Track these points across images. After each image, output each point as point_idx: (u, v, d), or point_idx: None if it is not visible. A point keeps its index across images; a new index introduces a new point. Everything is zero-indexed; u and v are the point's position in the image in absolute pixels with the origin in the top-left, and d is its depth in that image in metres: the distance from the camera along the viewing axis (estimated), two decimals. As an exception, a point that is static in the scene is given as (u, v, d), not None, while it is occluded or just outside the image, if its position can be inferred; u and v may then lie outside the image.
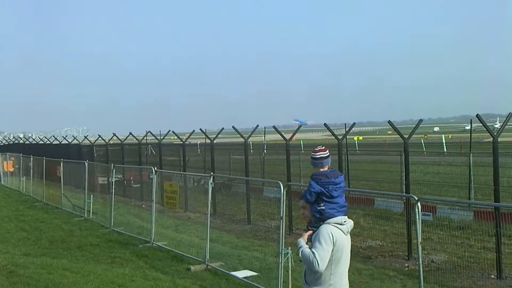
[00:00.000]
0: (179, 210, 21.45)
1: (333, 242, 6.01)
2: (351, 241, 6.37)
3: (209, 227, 14.38)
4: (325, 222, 6.18)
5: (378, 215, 18.75)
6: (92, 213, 22.44)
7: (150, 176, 18.93)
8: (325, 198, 6.22)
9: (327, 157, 6.50)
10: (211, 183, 15.06)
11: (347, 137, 21.77)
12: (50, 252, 15.83)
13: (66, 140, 46.49)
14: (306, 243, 6.24)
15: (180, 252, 15.12)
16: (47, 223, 21.39)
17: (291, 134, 22.04)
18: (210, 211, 15.64)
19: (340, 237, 6.10)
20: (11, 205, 27.35)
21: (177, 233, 18.47)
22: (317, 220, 6.29)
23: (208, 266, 13.60)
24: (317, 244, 6.03)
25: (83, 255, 15.43)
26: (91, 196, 23.03)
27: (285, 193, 12.34)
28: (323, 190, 6.23)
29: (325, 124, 20.66)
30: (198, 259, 14.16)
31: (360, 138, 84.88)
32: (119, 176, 27.02)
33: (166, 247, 16.00)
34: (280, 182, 12.55)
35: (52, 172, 31.30)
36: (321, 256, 5.94)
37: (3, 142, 67.72)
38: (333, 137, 19.61)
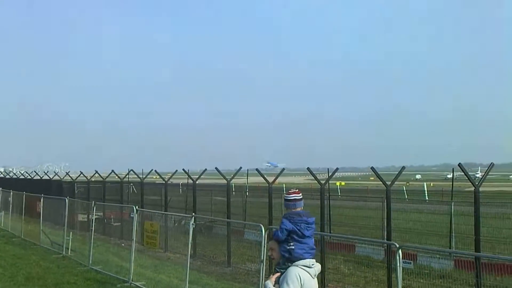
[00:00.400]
0: (159, 250, 21.25)
1: (301, 284, 6.04)
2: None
3: (188, 269, 14.27)
4: (293, 264, 6.23)
5: (359, 262, 18.72)
6: (71, 250, 22.16)
7: (131, 215, 18.80)
8: (295, 237, 6.30)
9: (300, 199, 6.64)
10: (192, 224, 15.01)
11: (330, 182, 21.82)
12: (26, 289, 15.61)
13: (47, 175, 46.27)
14: (274, 286, 6.24)
15: (158, 293, 14.97)
16: (24, 259, 21.09)
17: (273, 177, 22.07)
18: (190, 252, 15.54)
19: (308, 280, 6.14)
20: (-13, 240, 26.96)
21: (156, 274, 18.25)
22: (286, 260, 6.36)
23: (186, 308, 13.45)
24: (284, 286, 6.05)
25: (60, 293, 15.23)
26: (70, 233, 22.79)
27: (266, 236, 12.28)
28: (295, 228, 6.33)
29: (308, 168, 20.69)
30: (176, 300, 14.02)
31: (343, 183, 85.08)
32: (99, 214, 26.76)
33: (144, 287, 15.83)
34: (261, 225, 12.53)
35: (31, 207, 30.93)
36: None
37: (-17, 176, 67.09)
38: (316, 182, 19.64)
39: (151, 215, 22.69)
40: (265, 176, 21.35)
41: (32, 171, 51.33)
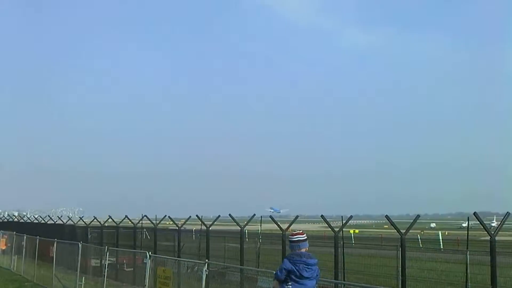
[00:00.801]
0: (172, 296, 21.12)
1: None
2: None
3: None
4: None
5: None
6: (83, 295, 22.08)
7: (144, 261, 18.76)
8: (293, 277, 6.43)
9: (304, 240, 6.76)
10: (205, 270, 14.94)
11: (343, 229, 21.74)
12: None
13: (61, 220, 46.28)
14: None
15: None
16: (36, 304, 21.05)
17: (287, 224, 22.03)
18: (204, 298, 15.43)
19: None
20: (0, 284, 26.91)
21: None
22: None
23: None
24: None
25: None
26: (83, 278, 22.74)
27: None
28: (294, 268, 6.46)
29: (322, 216, 20.69)
30: None
31: (356, 231, 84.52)
32: (112, 259, 26.66)
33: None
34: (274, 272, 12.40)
35: (44, 251, 30.92)
36: None
37: (-3, 219, 67.23)
38: (330, 229, 19.57)
39: (164, 261, 22.60)
40: (278, 223, 21.33)
41: (46, 216, 51.34)
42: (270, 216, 22.59)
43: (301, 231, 7.02)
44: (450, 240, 59.22)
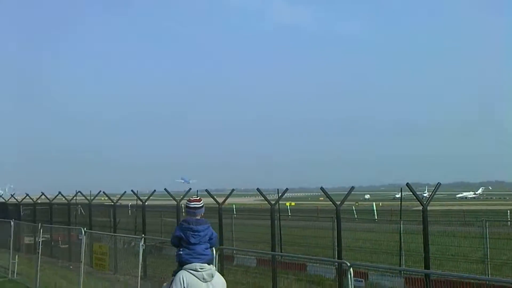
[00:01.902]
0: (109, 272, 20.92)
1: (184, 287, 6.45)
2: None
3: (139, 290, 14.08)
4: (183, 268, 6.65)
5: (311, 281, 18.72)
6: (17, 273, 21.77)
7: (79, 237, 18.51)
8: (183, 244, 6.65)
9: (200, 207, 7.03)
10: (142, 245, 14.84)
11: (280, 202, 21.89)
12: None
13: (-8, 198, 45.23)
14: None
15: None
16: (-33, 283, 20.56)
17: (223, 198, 22.06)
18: (141, 273, 15.33)
19: (194, 284, 6.49)
20: None
21: (105, 296, 17.97)
22: (178, 265, 6.84)
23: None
24: None
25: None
26: (16, 256, 22.36)
27: (217, 256, 12.17)
28: (182, 235, 6.67)
29: (257, 189, 20.77)
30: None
31: (293, 203, 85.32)
32: (46, 236, 26.23)
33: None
34: (213, 245, 12.36)
35: (-25, 230, 30.16)
36: None
37: None
38: (266, 202, 19.67)
39: (100, 237, 22.37)
40: (214, 197, 21.33)
41: (-24, 194, 50.09)
42: (206, 190, 22.51)
43: (198, 198, 7.34)
44: (384, 210, 60.52)
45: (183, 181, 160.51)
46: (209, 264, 6.65)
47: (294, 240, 26.99)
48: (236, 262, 22.81)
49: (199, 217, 6.98)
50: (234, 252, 23.82)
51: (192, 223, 6.80)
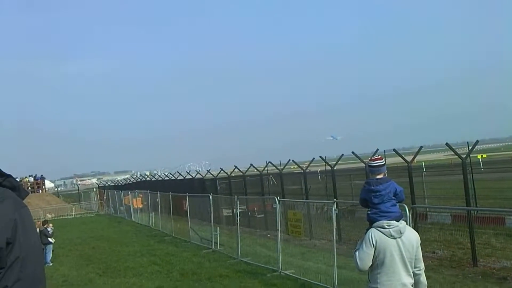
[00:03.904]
0: (304, 238, 21.46)
1: (373, 244, 6.41)
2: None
3: (335, 254, 14.32)
4: (372, 226, 6.59)
5: (510, 234, 18.01)
6: (219, 244, 22.85)
7: (274, 206, 19.07)
8: (369, 204, 6.62)
9: (382, 165, 6.90)
10: (334, 210, 15.01)
11: (471, 155, 21.13)
12: (182, 285, 16.26)
13: (190, 175, 47.70)
14: None
15: (308, 280, 15.13)
16: (177, 256, 21.95)
17: (412, 156, 21.70)
18: (336, 237, 15.56)
19: (383, 240, 6.42)
20: (142, 240, 28.30)
21: (303, 261, 18.43)
22: (368, 224, 6.74)
23: (337, 293, 13.53)
24: (358, 246, 6.57)
25: (214, 286, 15.74)
26: (217, 228, 23.48)
27: (410, 215, 12.08)
28: (365, 197, 6.63)
29: (447, 144, 20.16)
30: (326, 286, 14.14)
31: (484, 155, 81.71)
32: (242, 207, 27.30)
33: (293, 275, 16.06)
34: (405, 205, 12.27)
35: (178, 206, 32.07)
36: (361, 256, 6.43)
37: (132, 180, 69.97)
38: (456, 156, 19.09)
39: (293, 204, 22.94)
40: (402, 155, 21.04)
41: (175, 172, 52.94)
42: (394, 149, 22.22)
43: (380, 156, 7.25)
44: None
45: (332, 138, 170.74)
46: (397, 220, 6.66)
47: (490, 193, 26.00)
48: (430, 220, 22.40)
49: (381, 176, 7.00)
50: (427, 209, 23.43)
51: (372, 184, 6.82)
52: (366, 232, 6.70)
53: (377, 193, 6.69)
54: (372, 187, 6.73)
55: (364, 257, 6.41)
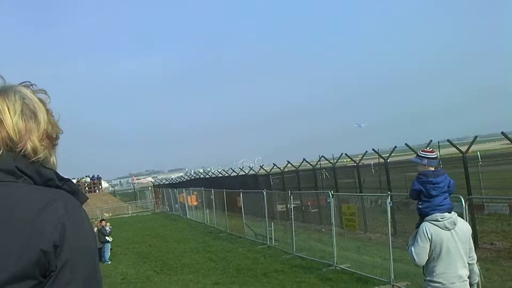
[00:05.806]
0: (359, 231, 21.37)
1: (428, 238, 6.39)
2: None
3: (391, 247, 14.25)
4: (424, 220, 6.55)
5: None
6: (274, 240, 22.93)
7: (328, 200, 19.05)
8: (422, 197, 6.57)
9: (434, 158, 6.85)
10: (389, 202, 14.91)
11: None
12: (238, 280, 16.39)
13: (243, 171, 47.85)
14: None
15: (364, 274, 15.08)
16: (233, 252, 22.12)
17: (466, 147, 21.36)
18: (391, 230, 15.46)
19: (438, 233, 6.40)
20: (198, 237, 28.59)
21: (359, 255, 18.35)
22: (419, 218, 6.73)
23: (394, 286, 13.46)
24: (414, 241, 6.52)
25: (269, 281, 15.82)
26: (272, 223, 23.55)
27: (467, 207, 11.92)
28: (422, 188, 6.55)
29: (502, 133, 19.78)
30: (382, 279, 14.07)
31: (545, 143, 79.44)
32: (296, 203, 27.33)
33: (349, 269, 16.02)
34: (460, 196, 12.11)
35: (232, 203, 32.18)
36: (417, 252, 6.41)
37: (186, 178, 70.47)
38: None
39: (347, 198, 22.89)
40: (457, 146, 20.72)
41: (228, 169, 53.06)
42: (448, 140, 21.88)
43: (431, 149, 7.20)
44: None
45: (357, 125, 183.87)
46: (449, 212, 6.62)
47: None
48: (487, 211, 22.03)
49: (432, 169, 6.96)
50: (484, 200, 23.03)
51: (430, 175, 6.76)
52: (417, 227, 6.68)
53: (436, 185, 6.67)
54: (432, 179, 6.70)
55: (421, 252, 6.41)
